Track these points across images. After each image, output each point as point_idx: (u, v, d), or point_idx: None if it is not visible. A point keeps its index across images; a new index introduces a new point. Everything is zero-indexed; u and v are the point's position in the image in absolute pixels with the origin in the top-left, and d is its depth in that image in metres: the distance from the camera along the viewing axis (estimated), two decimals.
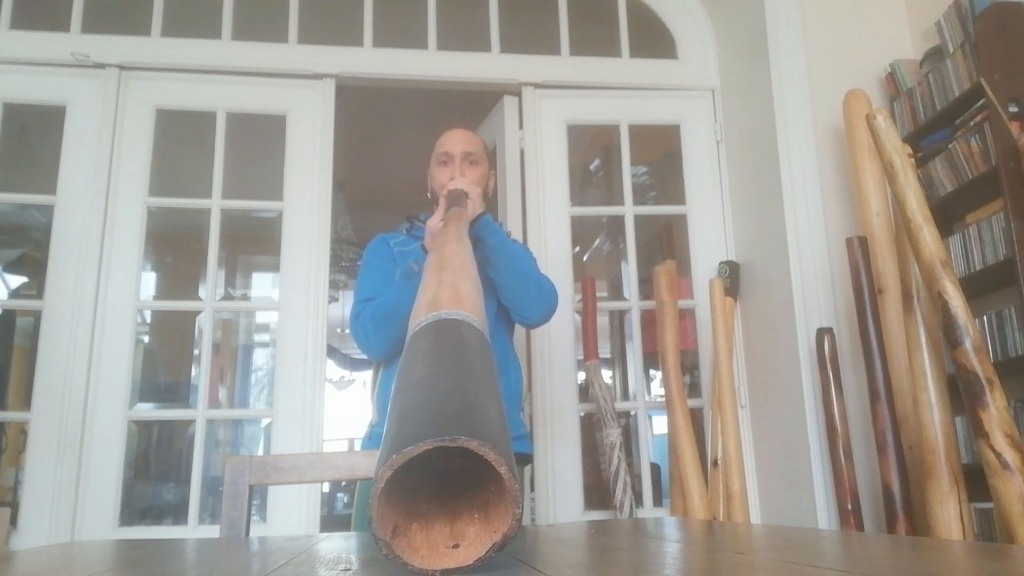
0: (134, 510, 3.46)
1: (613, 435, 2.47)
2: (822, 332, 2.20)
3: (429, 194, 1.85)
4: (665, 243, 3.77)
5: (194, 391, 4.15)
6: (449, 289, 0.85)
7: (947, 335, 1.74)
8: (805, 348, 2.36)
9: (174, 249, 4.60)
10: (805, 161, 2.50)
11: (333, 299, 5.79)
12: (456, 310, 0.79)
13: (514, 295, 1.74)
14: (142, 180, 2.61)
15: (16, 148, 2.69)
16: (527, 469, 1.82)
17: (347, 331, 8.05)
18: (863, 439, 2.23)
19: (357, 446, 2.03)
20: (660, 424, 3.15)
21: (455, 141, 1.82)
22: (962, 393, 1.71)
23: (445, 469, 0.61)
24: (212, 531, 2.40)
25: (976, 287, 2.12)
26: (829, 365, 2.16)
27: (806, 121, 2.53)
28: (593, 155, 4.12)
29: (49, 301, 2.47)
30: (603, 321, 4.37)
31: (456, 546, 0.59)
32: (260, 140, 2.78)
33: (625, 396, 4.27)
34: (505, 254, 1.71)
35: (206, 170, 2.66)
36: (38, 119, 2.74)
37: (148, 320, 4.80)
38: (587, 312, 2.69)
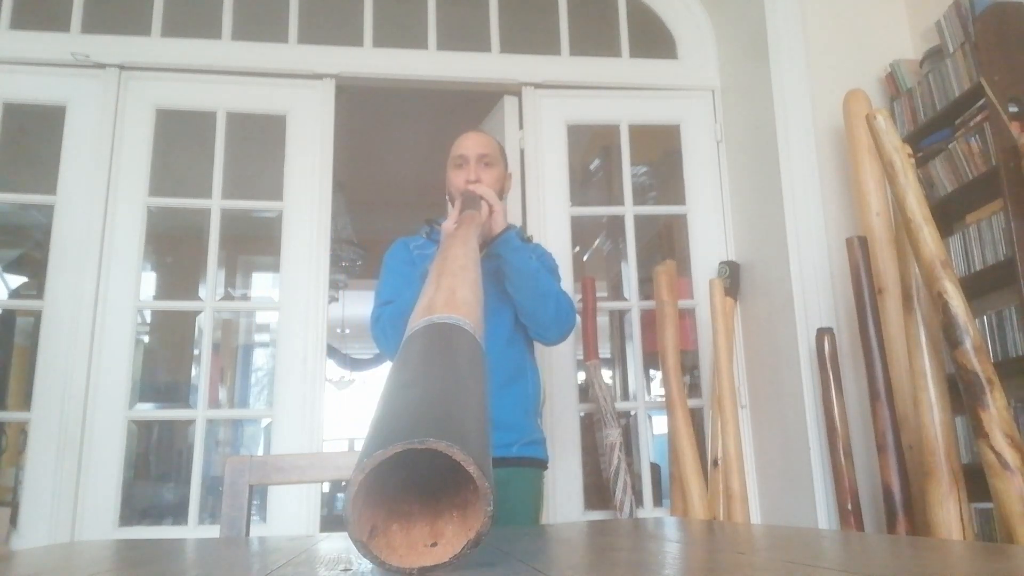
0: (134, 510, 3.45)
1: (613, 435, 2.47)
2: (822, 332, 2.20)
3: (447, 196, 1.86)
4: (665, 243, 3.77)
5: (194, 391, 4.15)
6: (445, 293, 0.86)
7: (947, 335, 1.74)
8: (805, 348, 2.35)
9: (174, 249, 4.59)
10: (805, 161, 2.50)
11: (333, 299, 5.79)
12: (449, 314, 0.80)
13: (532, 315, 1.74)
14: (142, 180, 2.61)
15: (16, 148, 2.69)
16: (545, 474, 1.82)
17: (347, 331, 8.07)
18: (863, 439, 2.23)
19: (357, 446, 2.02)
20: (660, 424, 3.15)
21: (470, 144, 1.83)
22: (962, 393, 1.71)
23: (431, 470, 0.63)
24: (212, 531, 2.40)
25: (976, 287, 2.12)
26: (829, 365, 2.16)
27: (806, 121, 2.53)
28: (593, 155, 4.12)
29: (49, 301, 2.47)
30: (603, 321, 4.37)
31: (434, 544, 0.61)
32: (260, 140, 2.78)
33: (625, 396, 4.27)
34: (525, 275, 1.70)
35: (206, 170, 2.66)
36: (38, 119, 2.74)
37: (148, 320, 4.80)
38: (587, 312, 2.69)
